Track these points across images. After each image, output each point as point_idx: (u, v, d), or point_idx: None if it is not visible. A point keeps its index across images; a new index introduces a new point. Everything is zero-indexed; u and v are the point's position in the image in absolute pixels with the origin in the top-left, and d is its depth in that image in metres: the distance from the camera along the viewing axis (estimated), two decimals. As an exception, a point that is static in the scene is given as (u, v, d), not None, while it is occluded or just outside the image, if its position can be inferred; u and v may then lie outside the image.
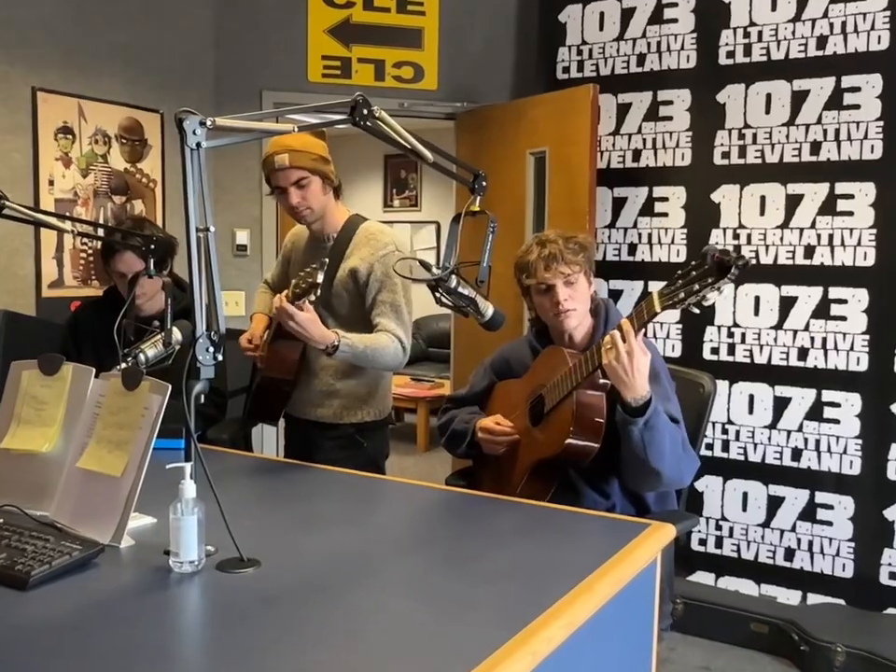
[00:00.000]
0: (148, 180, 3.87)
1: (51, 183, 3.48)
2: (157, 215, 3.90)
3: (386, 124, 1.62)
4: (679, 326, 3.64)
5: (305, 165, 2.31)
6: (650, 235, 3.73)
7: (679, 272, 1.72)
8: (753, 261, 3.46)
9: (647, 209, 3.73)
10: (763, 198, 3.46)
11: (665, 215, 3.68)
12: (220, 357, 1.41)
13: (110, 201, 3.72)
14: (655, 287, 3.60)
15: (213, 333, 1.39)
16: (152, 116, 3.88)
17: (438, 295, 1.92)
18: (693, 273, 1.68)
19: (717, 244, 3.56)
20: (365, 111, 1.58)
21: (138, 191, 3.84)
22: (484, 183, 1.91)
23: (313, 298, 2.09)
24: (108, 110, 3.69)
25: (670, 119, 3.65)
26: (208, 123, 1.36)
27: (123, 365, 1.97)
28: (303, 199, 2.36)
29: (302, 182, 2.33)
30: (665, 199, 3.68)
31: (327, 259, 2.11)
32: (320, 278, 2.03)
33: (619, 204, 3.80)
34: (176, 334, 2.06)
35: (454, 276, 1.89)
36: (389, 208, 8.82)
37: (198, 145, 1.36)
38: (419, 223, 8.62)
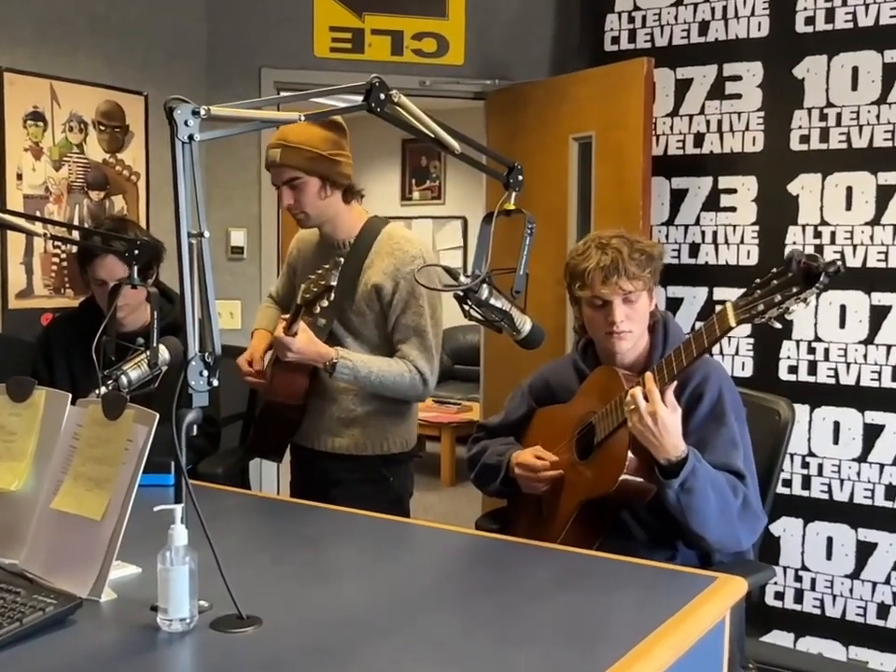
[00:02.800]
0: (130, 172, 3.93)
1: (19, 177, 3.54)
2: (140, 212, 3.96)
3: (407, 111, 1.65)
4: (751, 340, 3.63)
5: (297, 164, 2.34)
6: (714, 234, 3.73)
7: (758, 280, 1.73)
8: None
9: (711, 203, 3.73)
10: (849, 189, 3.45)
11: (733, 209, 3.68)
12: (215, 382, 1.44)
13: (87, 197, 3.78)
14: (722, 294, 3.66)
15: (207, 355, 1.42)
16: (135, 98, 3.93)
17: (466, 308, 1.94)
18: (775, 281, 1.69)
19: (794, 243, 3.54)
20: (382, 96, 1.60)
21: (119, 186, 3.89)
22: (520, 177, 1.93)
23: (325, 304, 2.12)
24: (85, 92, 3.75)
25: (738, 97, 3.65)
26: (202, 112, 1.39)
27: (103, 389, 2.00)
28: (296, 201, 2.40)
29: (295, 182, 2.37)
30: (732, 191, 3.68)
31: (342, 259, 2.15)
32: (334, 280, 2.06)
33: (678, 198, 3.80)
34: (163, 353, 2.09)
35: (485, 286, 1.90)
36: (408, 201, 8.87)
37: (190, 137, 1.38)
38: (442, 218, 8.65)
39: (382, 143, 8.44)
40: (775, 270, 1.70)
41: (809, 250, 3.51)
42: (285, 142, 2.32)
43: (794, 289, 1.66)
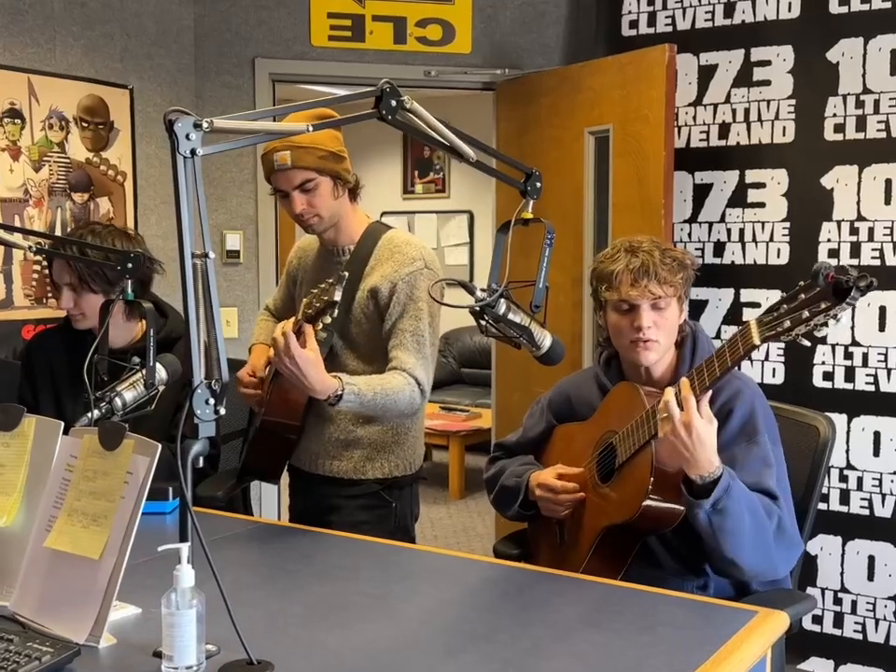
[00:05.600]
0: (116, 172, 3.94)
1: (-4, 179, 3.56)
2: (127, 215, 3.97)
3: (420, 118, 1.66)
4: (782, 346, 3.63)
5: (311, 165, 2.33)
6: (741, 231, 3.73)
7: (784, 295, 1.74)
8: (877, 263, 3.45)
9: (738, 198, 3.73)
10: (888, 182, 3.45)
11: (762, 205, 3.68)
12: (223, 411, 1.44)
13: (69, 199, 3.79)
14: (749, 296, 3.66)
15: (213, 382, 1.43)
16: (119, 92, 3.95)
17: (483, 323, 1.95)
18: (802, 295, 1.70)
19: (829, 240, 3.54)
20: (393, 102, 1.60)
21: (104, 187, 3.90)
22: (539, 184, 1.94)
23: (328, 320, 2.12)
24: (65, 87, 3.76)
25: (767, 83, 3.65)
26: (204, 125, 1.40)
27: (96, 413, 2.01)
28: (310, 205, 2.39)
29: (308, 185, 2.36)
30: (761, 185, 3.68)
31: (346, 273, 2.15)
32: (338, 296, 2.05)
33: (702, 193, 3.80)
34: (160, 372, 2.10)
35: (502, 301, 1.91)
36: (410, 195, 8.88)
37: (192, 152, 1.39)
38: (447, 213, 8.66)
39: (381, 131, 8.44)
40: (802, 283, 1.70)
41: (845, 248, 3.51)
42: (292, 143, 2.30)
43: (823, 305, 1.66)
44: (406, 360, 2.40)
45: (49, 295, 3.70)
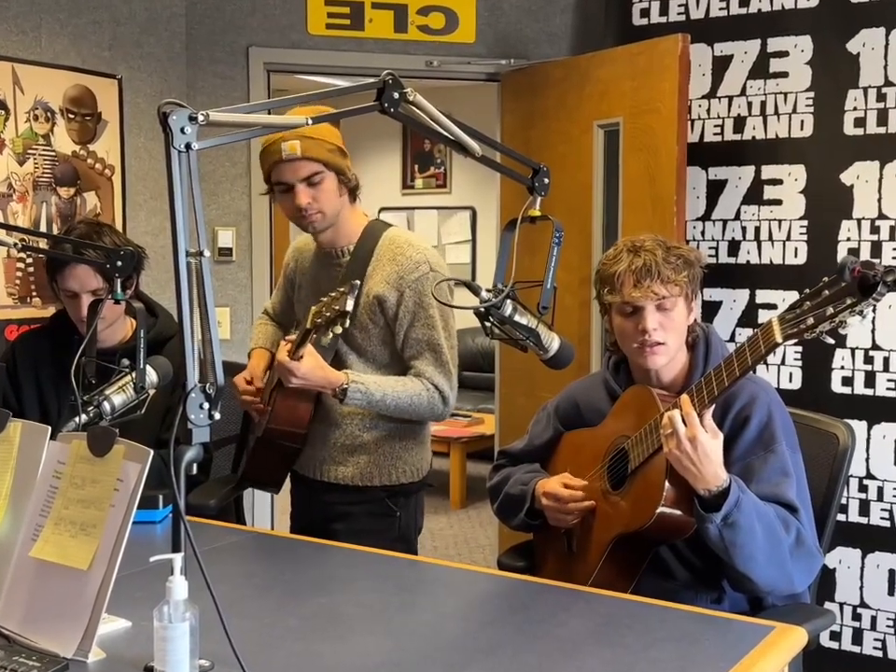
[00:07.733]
0: (104, 166, 3.95)
1: (-22, 173, 3.57)
2: (115, 211, 3.97)
3: (423, 111, 1.67)
4: (799, 349, 3.64)
5: (320, 157, 2.36)
6: (757, 229, 3.73)
7: (807, 291, 1.74)
8: (899, 262, 3.46)
9: (754, 195, 3.73)
10: (911, 178, 3.46)
11: (779, 202, 3.68)
12: (217, 416, 1.45)
13: (55, 194, 3.80)
14: (765, 297, 3.67)
15: (208, 386, 1.43)
16: (107, 82, 3.95)
17: (489, 325, 1.96)
18: (826, 291, 1.70)
19: (849, 239, 3.54)
20: (395, 95, 1.62)
21: (90, 181, 3.91)
22: (547, 180, 1.95)
23: (339, 330, 2.14)
24: (51, 76, 3.76)
25: (785, 75, 3.65)
26: (200, 118, 1.41)
27: (83, 417, 2.02)
28: (314, 200, 2.40)
29: (315, 178, 2.38)
30: (777, 181, 3.69)
31: (359, 282, 2.16)
32: (350, 305, 2.07)
33: (716, 189, 3.80)
34: (150, 375, 2.11)
35: (508, 302, 1.92)
36: (410, 190, 8.88)
37: (187, 146, 1.40)
38: (449, 209, 8.67)
39: (379, 123, 8.45)
40: (826, 279, 1.70)
41: (866, 247, 3.51)
42: (302, 133, 2.32)
43: (848, 301, 1.66)
44: (424, 369, 2.46)
45: (34, 294, 3.71)
